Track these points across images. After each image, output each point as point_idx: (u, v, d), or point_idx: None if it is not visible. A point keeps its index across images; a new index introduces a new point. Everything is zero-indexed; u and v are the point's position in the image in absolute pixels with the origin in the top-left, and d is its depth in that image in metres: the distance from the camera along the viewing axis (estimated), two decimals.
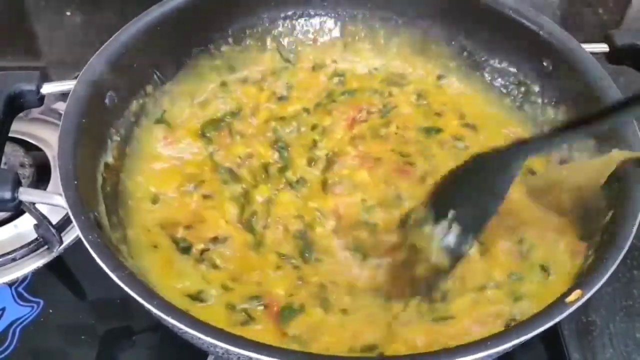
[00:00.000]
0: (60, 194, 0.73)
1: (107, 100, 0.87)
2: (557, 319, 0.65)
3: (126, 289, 0.67)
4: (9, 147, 1.00)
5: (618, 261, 0.70)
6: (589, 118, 0.72)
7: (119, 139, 0.89)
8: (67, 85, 0.84)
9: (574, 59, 0.91)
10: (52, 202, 0.75)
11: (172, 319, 0.65)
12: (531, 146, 0.77)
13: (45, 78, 0.87)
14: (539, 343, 0.90)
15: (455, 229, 0.78)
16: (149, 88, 0.95)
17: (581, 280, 0.70)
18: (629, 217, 0.74)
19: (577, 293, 0.67)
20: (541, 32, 0.94)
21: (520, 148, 0.76)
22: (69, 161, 0.76)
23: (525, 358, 0.90)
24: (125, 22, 0.91)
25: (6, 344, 0.90)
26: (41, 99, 0.87)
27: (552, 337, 0.89)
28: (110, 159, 0.86)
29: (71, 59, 1.30)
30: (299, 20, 1.05)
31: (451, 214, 0.78)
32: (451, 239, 0.79)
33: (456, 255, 0.79)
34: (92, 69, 0.85)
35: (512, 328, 0.66)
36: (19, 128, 1.08)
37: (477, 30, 1.00)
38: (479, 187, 0.78)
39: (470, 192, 0.79)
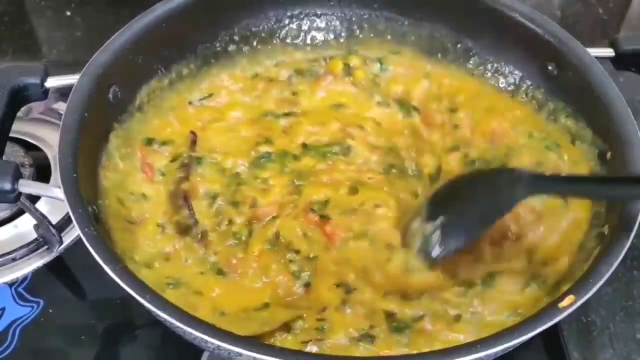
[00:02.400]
0: (59, 187, 0.73)
1: (110, 95, 0.87)
2: (548, 324, 0.65)
3: (119, 282, 0.67)
4: (9, 147, 1.00)
5: (613, 267, 0.69)
6: (610, 179, 0.75)
7: (122, 133, 0.89)
8: (71, 79, 0.85)
9: (579, 63, 0.90)
10: (51, 195, 0.75)
11: (163, 313, 0.65)
12: (544, 183, 0.76)
13: (49, 73, 0.87)
14: (539, 343, 0.90)
15: (436, 236, 0.79)
16: (153, 83, 0.95)
17: (576, 283, 0.70)
18: (627, 221, 0.74)
19: (570, 299, 0.67)
20: (546, 36, 0.93)
21: (533, 180, 0.76)
22: (69, 154, 0.76)
23: (525, 358, 0.90)
24: (125, 22, 0.91)
25: (6, 344, 0.90)
26: (45, 93, 0.87)
27: (552, 337, 0.89)
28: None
29: (71, 59, 1.30)
30: (305, 20, 1.05)
31: (440, 220, 0.79)
32: (430, 243, 0.79)
33: (428, 261, 0.80)
34: (97, 64, 0.86)
35: (503, 331, 0.66)
36: (19, 128, 1.08)
37: (483, 33, 1.00)
38: (476, 204, 0.78)
39: (466, 206, 0.79)
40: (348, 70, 1.01)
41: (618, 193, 0.74)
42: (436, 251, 0.79)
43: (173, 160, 0.91)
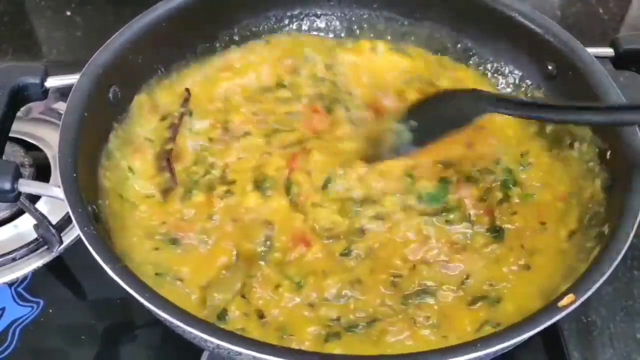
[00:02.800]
0: (59, 186, 0.73)
1: (110, 95, 0.87)
2: (548, 323, 0.65)
3: (119, 281, 0.67)
4: (9, 147, 1.00)
5: (613, 267, 0.69)
6: (562, 107, 0.82)
7: (121, 133, 0.90)
8: (71, 79, 0.85)
9: (579, 63, 0.90)
10: (51, 194, 0.75)
11: (163, 313, 0.65)
12: (503, 104, 0.85)
13: (49, 73, 0.87)
14: (539, 343, 0.90)
15: (407, 134, 0.90)
16: (153, 83, 0.95)
17: (576, 283, 0.70)
18: (627, 221, 0.74)
19: (569, 297, 0.67)
20: (546, 36, 0.93)
21: (494, 101, 0.86)
22: (69, 154, 0.77)
23: (525, 358, 0.89)
24: (125, 22, 0.91)
25: (6, 344, 0.90)
26: (45, 93, 0.87)
27: (552, 337, 0.89)
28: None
29: (71, 59, 1.30)
30: (305, 20, 1.05)
31: (410, 121, 0.90)
32: (401, 139, 0.90)
33: (397, 153, 0.90)
34: (97, 63, 0.86)
35: (500, 331, 0.66)
36: (19, 128, 1.08)
37: (482, 33, 1.00)
38: (443, 112, 0.91)
39: (433, 113, 0.91)
40: None
41: (570, 118, 0.82)
42: (406, 146, 0.90)
43: (163, 119, 0.93)
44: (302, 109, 0.97)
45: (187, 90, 0.96)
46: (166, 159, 0.89)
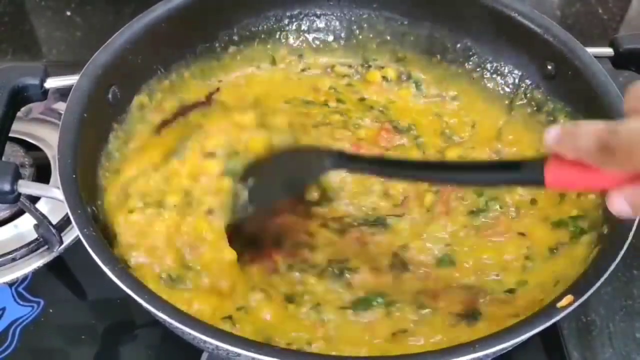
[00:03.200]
0: (59, 187, 0.73)
1: (110, 95, 0.87)
2: (547, 324, 0.65)
3: (118, 282, 0.67)
4: (8, 147, 1.00)
5: (612, 267, 0.69)
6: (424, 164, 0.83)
7: (121, 134, 0.90)
8: (71, 79, 0.85)
9: (579, 63, 0.90)
10: (51, 195, 0.75)
11: (162, 314, 0.65)
12: (348, 162, 0.81)
13: (49, 73, 0.87)
14: (539, 342, 0.90)
15: (244, 195, 0.84)
16: (153, 84, 0.95)
17: (575, 283, 0.70)
18: (625, 223, 0.73)
19: (568, 298, 0.67)
20: (546, 36, 0.93)
21: (336, 158, 0.81)
22: (68, 155, 0.77)
23: (525, 357, 0.89)
24: (125, 22, 0.91)
25: (6, 344, 0.90)
26: (45, 93, 0.87)
27: (551, 337, 0.89)
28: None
29: (71, 59, 1.30)
30: (304, 20, 1.05)
31: (250, 181, 0.84)
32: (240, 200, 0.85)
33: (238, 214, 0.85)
34: (97, 64, 0.86)
35: (499, 332, 0.66)
36: (19, 128, 1.08)
37: (482, 33, 1.00)
38: (284, 171, 0.86)
39: (275, 172, 0.86)
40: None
41: (421, 175, 0.78)
42: (243, 209, 0.84)
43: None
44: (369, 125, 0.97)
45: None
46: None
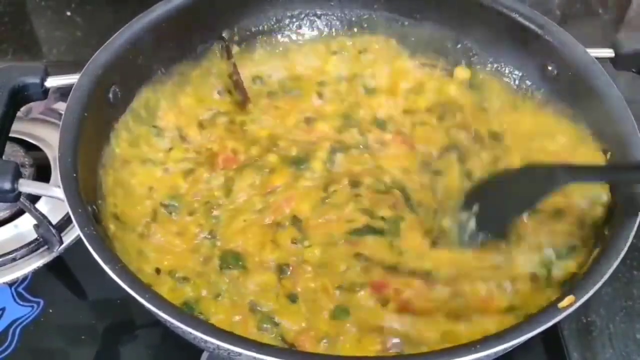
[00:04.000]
0: (59, 186, 0.73)
1: (110, 95, 0.87)
2: (548, 324, 0.65)
3: (119, 281, 0.67)
4: (9, 147, 1.00)
5: (613, 267, 0.69)
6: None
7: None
8: (71, 79, 0.85)
9: (579, 64, 0.90)
10: (51, 194, 0.75)
11: (163, 313, 0.65)
12: (579, 173, 0.80)
13: (49, 72, 0.87)
14: (539, 343, 0.90)
15: (472, 223, 0.82)
16: (153, 83, 0.95)
17: (576, 284, 0.70)
18: (627, 221, 0.74)
19: (569, 299, 0.67)
20: (546, 36, 0.93)
21: (568, 171, 0.79)
22: (69, 154, 0.77)
23: (525, 358, 0.90)
24: (125, 22, 0.91)
25: (6, 344, 0.90)
26: (45, 92, 0.87)
27: (552, 337, 0.89)
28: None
29: (71, 59, 1.30)
30: (305, 20, 1.05)
31: (475, 207, 0.82)
32: (467, 230, 0.83)
33: (467, 246, 0.83)
34: (97, 63, 0.86)
35: (500, 332, 0.66)
36: (19, 128, 1.09)
37: (483, 33, 1.00)
38: (510, 194, 0.82)
39: (500, 195, 0.83)
40: None
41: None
42: (473, 237, 0.82)
43: None
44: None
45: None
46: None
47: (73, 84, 0.83)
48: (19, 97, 0.85)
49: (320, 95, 1.01)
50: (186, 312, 0.66)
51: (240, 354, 0.63)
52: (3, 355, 0.89)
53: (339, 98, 1.01)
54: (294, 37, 1.05)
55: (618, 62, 0.92)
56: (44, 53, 1.33)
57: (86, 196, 0.75)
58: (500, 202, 0.83)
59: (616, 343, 0.89)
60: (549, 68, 0.94)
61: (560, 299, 0.67)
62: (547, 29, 0.94)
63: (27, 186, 0.77)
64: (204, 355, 0.87)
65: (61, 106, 1.11)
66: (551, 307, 0.67)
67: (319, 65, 1.04)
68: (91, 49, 0.87)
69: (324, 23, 1.06)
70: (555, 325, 0.66)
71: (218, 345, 0.64)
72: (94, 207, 0.78)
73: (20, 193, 0.76)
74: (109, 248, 0.72)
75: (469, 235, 0.82)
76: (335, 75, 1.03)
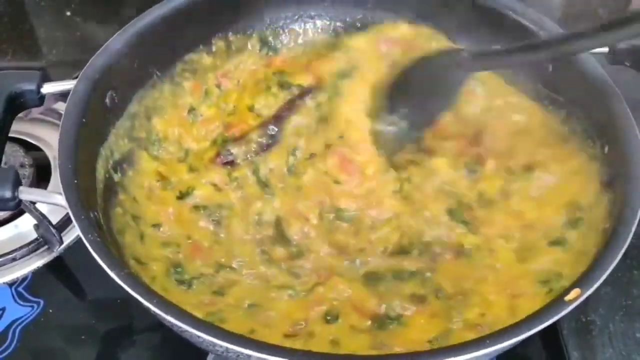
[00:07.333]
0: (61, 193, 0.73)
1: (107, 100, 0.87)
2: (555, 318, 0.65)
3: (126, 287, 0.67)
4: (9, 147, 1.00)
5: (618, 258, 0.70)
6: (550, 41, 0.82)
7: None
8: (68, 85, 0.84)
9: (578, 62, 0.90)
10: (53, 202, 0.75)
11: (171, 318, 0.65)
12: (486, 59, 0.85)
13: (46, 78, 0.86)
14: (538, 342, 0.90)
15: (404, 123, 0.90)
16: (149, 87, 0.94)
17: (580, 278, 0.70)
18: (628, 217, 0.74)
19: (575, 292, 0.67)
20: (541, 33, 0.93)
21: (475, 58, 0.85)
22: (69, 160, 0.76)
23: (525, 358, 0.90)
24: (125, 23, 0.91)
25: (6, 344, 0.90)
26: (41, 99, 0.86)
27: (551, 336, 0.89)
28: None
29: (71, 59, 1.30)
30: (299, 21, 1.05)
31: (402, 112, 0.89)
32: (397, 130, 0.90)
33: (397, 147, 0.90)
34: (93, 68, 0.85)
35: (508, 327, 0.65)
36: (19, 128, 1.09)
37: (478, 30, 1.00)
38: (429, 90, 0.89)
39: (421, 93, 0.89)
40: None
41: (564, 49, 0.80)
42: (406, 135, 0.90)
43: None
44: None
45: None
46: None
47: (69, 90, 0.83)
48: (16, 104, 0.84)
49: None
50: (195, 316, 0.66)
51: (250, 356, 0.63)
52: (3, 355, 0.89)
53: None
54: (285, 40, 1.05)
55: (613, 57, 0.92)
56: (44, 53, 1.33)
57: (88, 202, 0.75)
58: (424, 97, 0.88)
59: (616, 342, 0.89)
60: (545, 64, 0.94)
61: (566, 293, 0.67)
62: (541, 25, 0.94)
63: (28, 194, 0.76)
64: (209, 357, 0.87)
65: (61, 106, 1.12)
66: (557, 301, 0.67)
67: None
68: (91, 49, 0.87)
69: (319, 24, 1.05)
70: (554, 325, 0.66)
71: (227, 348, 0.63)
72: (96, 212, 0.77)
73: (20, 201, 0.75)
74: (114, 254, 0.71)
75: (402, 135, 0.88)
76: None
